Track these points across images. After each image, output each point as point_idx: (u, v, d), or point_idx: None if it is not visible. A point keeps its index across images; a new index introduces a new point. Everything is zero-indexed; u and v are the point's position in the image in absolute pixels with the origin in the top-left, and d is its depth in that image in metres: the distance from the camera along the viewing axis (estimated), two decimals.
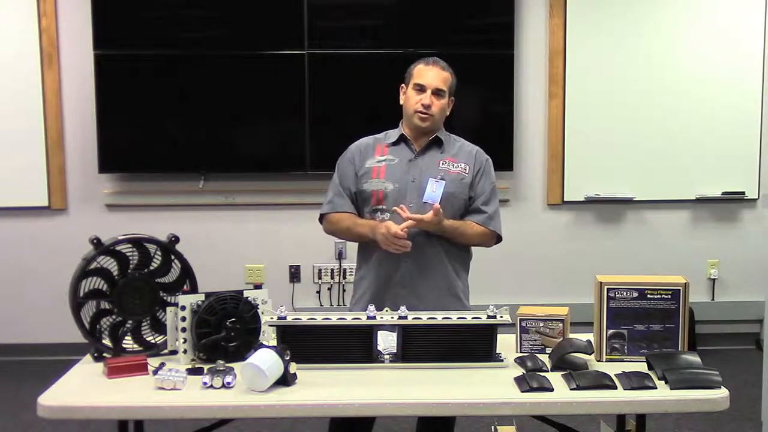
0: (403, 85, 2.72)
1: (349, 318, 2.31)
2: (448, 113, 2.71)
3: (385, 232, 2.51)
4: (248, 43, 4.71)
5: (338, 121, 4.69)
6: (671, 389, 2.08)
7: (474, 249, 2.77)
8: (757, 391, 3.74)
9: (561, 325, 2.38)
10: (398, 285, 2.62)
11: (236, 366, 2.13)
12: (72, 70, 4.74)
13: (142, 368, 2.18)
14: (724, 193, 4.93)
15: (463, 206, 2.68)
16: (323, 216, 2.74)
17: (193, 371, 2.16)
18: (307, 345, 2.23)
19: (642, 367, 2.22)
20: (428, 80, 2.63)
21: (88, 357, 2.32)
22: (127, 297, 2.32)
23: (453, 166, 2.67)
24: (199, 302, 2.27)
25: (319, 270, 4.90)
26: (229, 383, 2.07)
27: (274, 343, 2.26)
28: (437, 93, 2.64)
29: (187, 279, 2.40)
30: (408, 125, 2.70)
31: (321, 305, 4.89)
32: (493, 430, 2.92)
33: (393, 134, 2.73)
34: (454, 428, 2.74)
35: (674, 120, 4.89)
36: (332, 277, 4.90)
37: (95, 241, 2.29)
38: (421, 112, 2.63)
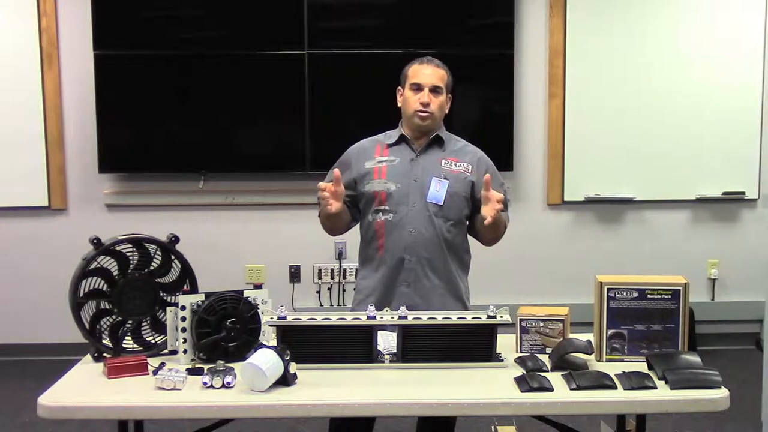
0: (399, 87, 2.70)
1: (349, 318, 2.30)
2: (446, 111, 2.69)
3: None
4: (248, 43, 4.71)
5: (338, 121, 4.69)
6: (671, 389, 2.08)
7: (472, 249, 2.75)
8: (757, 391, 3.73)
9: (561, 325, 2.38)
10: (403, 284, 2.60)
11: (236, 366, 2.13)
12: (72, 70, 4.74)
13: (142, 368, 2.18)
14: (724, 193, 4.92)
15: (465, 204, 2.66)
16: None
17: (193, 371, 2.16)
18: (307, 345, 2.23)
19: (642, 367, 2.22)
20: (424, 79, 2.62)
21: (88, 357, 2.32)
22: (127, 297, 2.32)
23: (456, 165, 2.65)
24: (199, 302, 2.27)
25: (319, 270, 4.90)
26: (229, 383, 2.07)
27: (274, 343, 2.26)
28: (435, 90, 2.62)
29: (187, 279, 2.40)
30: (408, 126, 2.68)
31: (321, 305, 4.89)
32: (493, 430, 2.92)
33: (393, 134, 2.71)
34: (454, 428, 2.74)
35: (674, 120, 4.89)
36: (332, 277, 4.90)
37: (95, 241, 2.29)
38: (420, 111, 2.61)
